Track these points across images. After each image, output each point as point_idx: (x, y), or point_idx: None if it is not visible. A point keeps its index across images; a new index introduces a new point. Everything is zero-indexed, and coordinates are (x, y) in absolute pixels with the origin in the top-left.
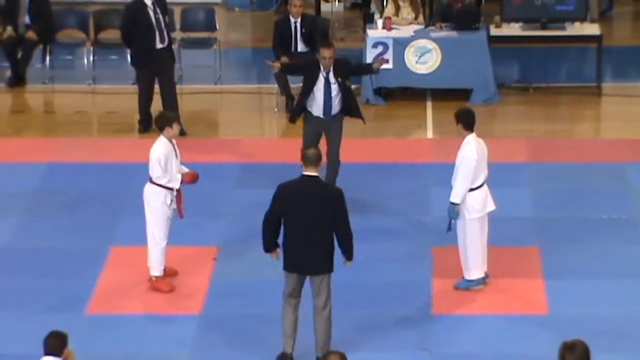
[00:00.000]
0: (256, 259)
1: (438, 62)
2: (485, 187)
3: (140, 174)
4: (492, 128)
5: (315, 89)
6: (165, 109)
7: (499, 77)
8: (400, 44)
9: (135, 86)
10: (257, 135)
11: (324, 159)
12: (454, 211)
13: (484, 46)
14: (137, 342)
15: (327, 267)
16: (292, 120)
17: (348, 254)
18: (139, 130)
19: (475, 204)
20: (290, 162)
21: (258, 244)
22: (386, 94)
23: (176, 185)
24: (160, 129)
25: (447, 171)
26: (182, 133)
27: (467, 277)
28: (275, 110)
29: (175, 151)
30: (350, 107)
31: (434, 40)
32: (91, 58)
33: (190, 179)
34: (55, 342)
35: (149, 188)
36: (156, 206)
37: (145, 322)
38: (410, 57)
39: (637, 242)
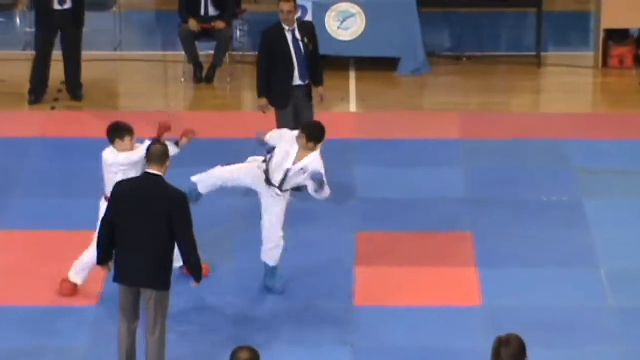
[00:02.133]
0: None
1: (362, 28)
2: None
3: (29, 149)
4: (422, 101)
5: (284, 54)
6: (66, 76)
7: (430, 45)
8: (321, 8)
9: (26, 52)
10: (161, 108)
11: None
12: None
13: (412, 10)
14: (28, 335)
15: (158, 283)
16: (260, 95)
17: (192, 273)
18: (30, 101)
19: None
20: (199, 137)
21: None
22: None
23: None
24: (110, 141)
25: (372, 148)
26: (79, 97)
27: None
28: (182, 80)
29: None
30: (315, 75)
31: (358, 3)
32: None
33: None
34: None
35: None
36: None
37: (37, 314)
38: (331, 23)
39: (579, 226)
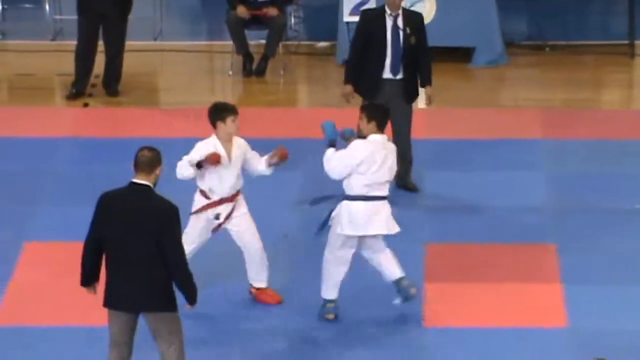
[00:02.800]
0: None
1: (432, 14)
2: (375, 204)
3: (61, 150)
4: (499, 96)
5: (378, 41)
6: (105, 71)
7: (508, 33)
8: None
9: (56, 42)
10: (207, 104)
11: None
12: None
13: None
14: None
15: (162, 303)
16: (345, 81)
17: (184, 294)
18: (69, 95)
19: (347, 218)
20: (249, 137)
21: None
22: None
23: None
24: (212, 124)
25: (443, 150)
26: (115, 92)
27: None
28: (230, 73)
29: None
30: (422, 73)
31: None
32: None
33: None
34: None
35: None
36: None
37: (69, 335)
38: None
39: None
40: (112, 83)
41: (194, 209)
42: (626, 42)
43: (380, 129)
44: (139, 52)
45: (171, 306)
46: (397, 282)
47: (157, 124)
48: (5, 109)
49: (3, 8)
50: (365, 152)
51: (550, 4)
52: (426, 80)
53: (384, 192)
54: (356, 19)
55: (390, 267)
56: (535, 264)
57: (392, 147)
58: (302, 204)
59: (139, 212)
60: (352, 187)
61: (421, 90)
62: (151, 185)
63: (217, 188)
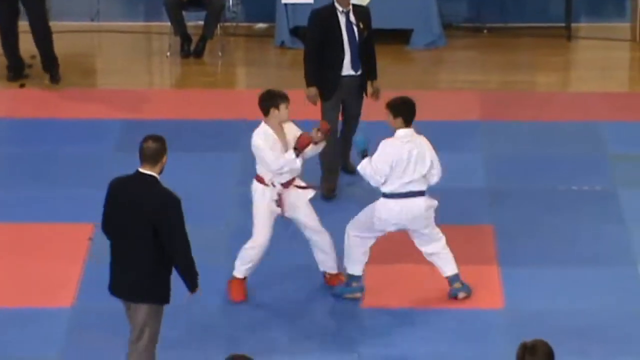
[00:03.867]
0: None
1: None
2: (407, 200)
3: (4, 131)
4: (437, 78)
5: (334, 39)
6: (39, 52)
7: (446, 15)
8: None
9: None
10: (144, 85)
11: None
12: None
13: None
14: None
15: (145, 295)
16: (309, 84)
17: (187, 282)
18: (8, 77)
19: (383, 214)
20: (186, 118)
21: None
22: (306, 36)
23: (295, 165)
24: (265, 111)
25: (380, 132)
26: (56, 79)
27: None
28: (168, 54)
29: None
30: (369, 66)
31: None
32: None
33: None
34: None
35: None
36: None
37: (8, 318)
38: None
39: (613, 219)
40: (51, 69)
41: (255, 197)
42: (563, 24)
43: (407, 124)
44: (75, 33)
45: (164, 299)
46: (451, 279)
47: (95, 106)
48: None
49: None
50: (396, 149)
51: None
52: (373, 74)
53: (421, 186)
54: (295, 0)
55: (441, 264)
56: (473, 245)
57: (420, 142)
58: (240, 186)
59: (141, 201)
60: (387, 184)
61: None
62: (157, 175)
63: (276, 175)
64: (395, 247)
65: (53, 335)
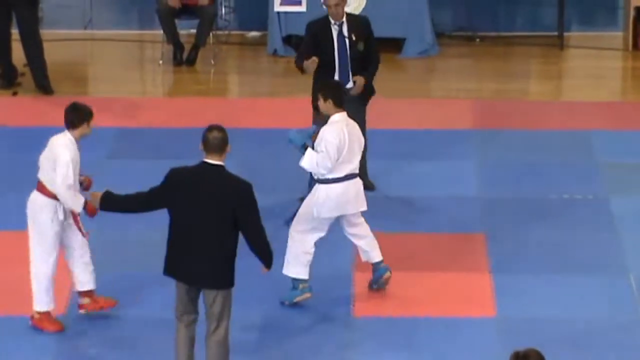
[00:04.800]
0: (133, 246)
1: (362, 5)
2: (349, 183)
3: None
4: (429, 86)
5: (326, 51)
6: (28, 61)
7: (438, 24)
8: None
9: None
10: (137, 94)
11: None
12: (295, 138)
13: None
14: None
15: (226, 281)
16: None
17: (264, 261)
18: (1, 85)
19: (326, 202)
20: (179, 126)
21: (140, 228)
22: (298, 44)
23: (77, 208)
24: (72, 126)
25: (373, 140)
26: (49, 91)
27: (285, 272)
28: (160, 62)
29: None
30: (364, 68)
31: None
32: None
33: (87, 188)
34: None
35: (38, 199)
36: (46, 222)
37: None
38: None
39: (605, 228)
40: (42, 80)
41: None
42: (555, 33)
43: (338, 105)
44: (68, 42)
45: (232, 283)
46: (376, 265)
47: None
48: None
49: None
50: (339, 133)
51: None
52: (365, 72)
53: (355, 169)
54: (288, 9)
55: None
56: (465, 253)
57: (353, 123)
58: None
59: (218, 191)
60: (334, 171)
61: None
62: (224, 165)
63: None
64: (385, 256)
65: (45, 343)
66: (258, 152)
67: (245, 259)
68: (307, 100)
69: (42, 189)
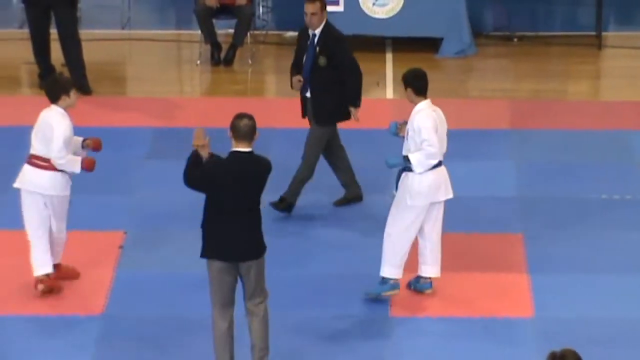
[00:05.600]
0: (171, 246)
1: (400, 5)
2: (440, 169)
3: (24, 139)
4: (467, 86)
5: (301, 57)
6: (66, 62)
7: (476, 24)
8: None
9: (22, 30)
10: (174, 94)
11: None
12: (395, 160)
13: None
14: (22, 351)
15: (261, 250)
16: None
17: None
18: (40, 85)
19: (420, 188)
20: (216, 126)
21: (174, 228)
22: None
23: (77, 170)
24: (54, 99)
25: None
26: (87, 91)
27: (383, 274)
28: (198, 62)
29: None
30: (347, 91)
31: None
32: None
33: (93, 147)
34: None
35: (31, 171)
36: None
37: (34, 326)
38: None
39: None
40: (81, 80)
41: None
42: (593, 33)
43: (418, 94)
44: (106, 42)
45: (263, 252)
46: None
47: (126, 114)
48: None
49: None
50: (429, 116)
51: None
52: (350, 101)
53: (442, 156)
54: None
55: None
56: (503, 253)
57: (438, 109)
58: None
59: (250, 177)
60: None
61: None
62: (252, 151)
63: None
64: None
65: (84, 343)
66: (294, 152)
67: (279, 265)
68: None
69: (36, 162)
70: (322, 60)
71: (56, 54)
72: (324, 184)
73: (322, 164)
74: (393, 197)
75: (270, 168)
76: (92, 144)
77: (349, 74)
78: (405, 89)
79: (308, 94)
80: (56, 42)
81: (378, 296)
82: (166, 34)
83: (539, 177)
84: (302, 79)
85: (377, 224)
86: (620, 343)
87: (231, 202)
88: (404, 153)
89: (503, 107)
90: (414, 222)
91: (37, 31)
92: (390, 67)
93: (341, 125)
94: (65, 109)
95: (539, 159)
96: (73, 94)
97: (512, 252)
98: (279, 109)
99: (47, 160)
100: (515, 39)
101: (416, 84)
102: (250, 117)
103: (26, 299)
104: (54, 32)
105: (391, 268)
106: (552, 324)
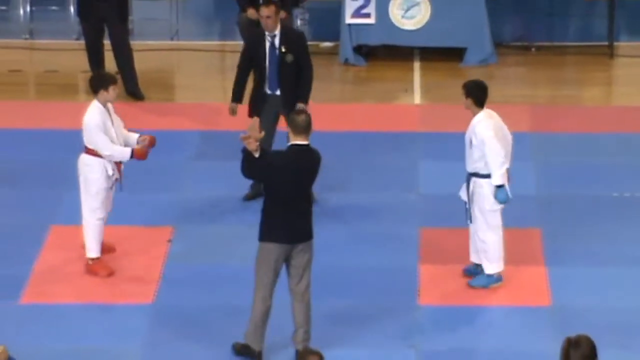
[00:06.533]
0: (216, 241)
1: (427, 17)
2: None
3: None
4: (489, 93)
5: (259, 60)
6: (119, 70)
7: (497, 35)
8: None
9: (80, 41)
10: (219, 100)
11: None
12: (501, 194)
13: None
14: (80, 335)
15: (311, 232)
16: (232, 100)
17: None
18: None
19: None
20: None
21: (219, 224)
22: (368, 53)
23: (126, 158)
24: (94, 91)
25: (436, 142)
26: (139, 97)
27: (488, 272)
28: None
29: (111, 118)
30: (299, 89)
31: None
32: (27, 8)
33: (149, 143)
34: None
35: (84, 159)
36: (93, 179)
37: (91, 313)
38: (395, 11)
39: None
40: (133, 87)
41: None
42: (606, 43)
43: (478, 105)
44: (156, 52)
45: (313, 235)
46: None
47: (174, 118)
48: (33, 103)
49: (31, 10)
50: (489, 125)
51: (537, 7)
52: (301, 97)
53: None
54: (358, 21)
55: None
56: (522, 247)
57: (496, 116)
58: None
59: (309, 168)
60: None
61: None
62: (309, 144)
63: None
64: (448, 247)
65: (136, 328)
66: (330, 154)
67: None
68: (374, 106)
69: (89, 151)
70: (289, 57)
71: (111, 64)
72: (355, 182)
73: (347, 163)
74: (460, 199)
75: (321, 159)
76: (147, 140)
77: (306, 70)
78: (466, 97)
79: (274, 92)
80: (110, 52)
81: (483, 287)
82: (211, 45)
83: (556, 177)
84: (236, 110)
85: (406, 219)
86: (633, 329)
87: (290, 191)
88: (468, 160)
89: (522, 112)
90: (499, 222)
91: (92, 43)
92: (417, 75)
93: (372, 129)
94: (105, 103)
95: (556, 160)
96: (112, 90)
97: (530, 245)
98: (315, 114)
99: (90, 149)
100: (533, 49)
101: (478, 95)
102: (307, 113)
103: (84, 289)
104: (107, 42)
105: (494, 264)
106: (568, 312)
